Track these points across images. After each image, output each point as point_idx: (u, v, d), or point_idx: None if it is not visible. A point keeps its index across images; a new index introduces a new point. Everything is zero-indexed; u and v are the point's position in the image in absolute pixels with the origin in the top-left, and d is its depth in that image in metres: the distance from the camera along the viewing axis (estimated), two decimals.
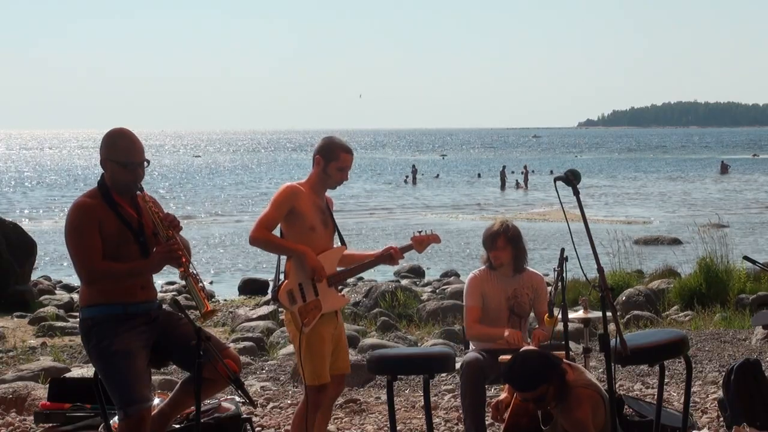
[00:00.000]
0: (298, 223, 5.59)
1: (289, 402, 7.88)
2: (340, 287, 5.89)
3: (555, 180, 4.83)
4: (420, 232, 6.06)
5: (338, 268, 5.81)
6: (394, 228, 30.58)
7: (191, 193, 48.90)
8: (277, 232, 5.67)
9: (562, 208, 4.98)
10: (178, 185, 54.70)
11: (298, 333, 5.54)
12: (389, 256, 5.85)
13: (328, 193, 5.87)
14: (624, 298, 13.68)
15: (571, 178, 4.77)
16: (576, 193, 4.82)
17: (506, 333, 5.98)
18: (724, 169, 61.67)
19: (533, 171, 54.80)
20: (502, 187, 50.15)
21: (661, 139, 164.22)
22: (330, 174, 5.69)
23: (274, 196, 5.64)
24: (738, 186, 50.35)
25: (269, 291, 5.81)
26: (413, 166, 60.20)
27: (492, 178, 54.19)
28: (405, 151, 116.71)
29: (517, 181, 51.60)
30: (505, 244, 6.15)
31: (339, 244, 5.87)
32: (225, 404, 6.09)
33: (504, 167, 54.30)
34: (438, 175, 60.96)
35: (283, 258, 5.66)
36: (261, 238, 5.56)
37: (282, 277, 5.63)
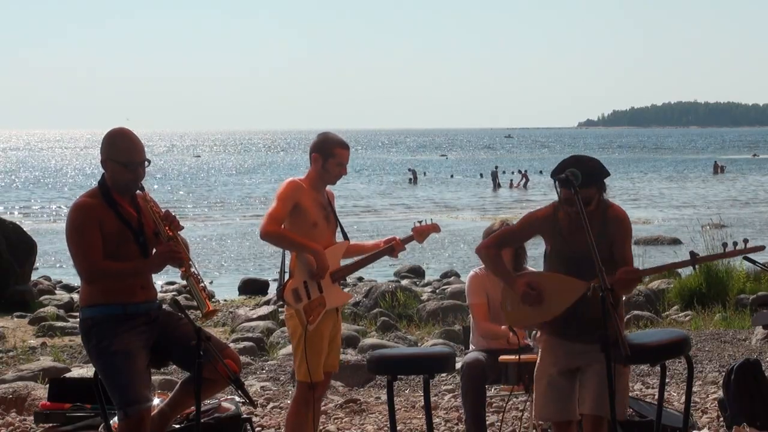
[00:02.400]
0: (300, 219, 5.60)
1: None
2: (342, 284, 5.92)
3: (555, 180, 4.81)
4: (420, 222, 6.09)
5: (343, 262, 5.83)
6: (396, 228, 30.57)
7: (191, 193, 48.89)
8: None
9: (563, 208, 4.97)
10: (178, 185, 54.69)
11: (299, 329, 5.56)
12: (390, 248, 5.89)
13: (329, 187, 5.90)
14: (624, 298, 13.65)
15: (572, 178, 4.76)
16: (576, 193, 4.81)
17: (511, 336, 6.01)
18: (718, 169, 61.61)
19: (525, 170, 55.23)
20: (494, 187, 50.29)
21: (661, 139, 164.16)
22: (329, 170, 5.70)
23: (278, 192, 5.64)
24: (738, 185, 50.36)
25: (275, 289, 5.81)
26: (409, 168, 60.27)
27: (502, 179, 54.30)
28: (405, 152, 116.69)
29: (511, 180, 51.81)
30: None
31: (342, 239, 5.89)
32: (225, 404, 6.09)
33: (496, 167, 54.62)
34: (452, 175, 61.11)
35: (288, 256, 5.67)
36: (273, 232, 5.54)
37: (287, 275, 5.64)
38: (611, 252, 4.98)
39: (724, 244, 4.93)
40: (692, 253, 4.98)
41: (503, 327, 6.00)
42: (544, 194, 43.31)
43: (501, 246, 5.24)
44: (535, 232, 5.10)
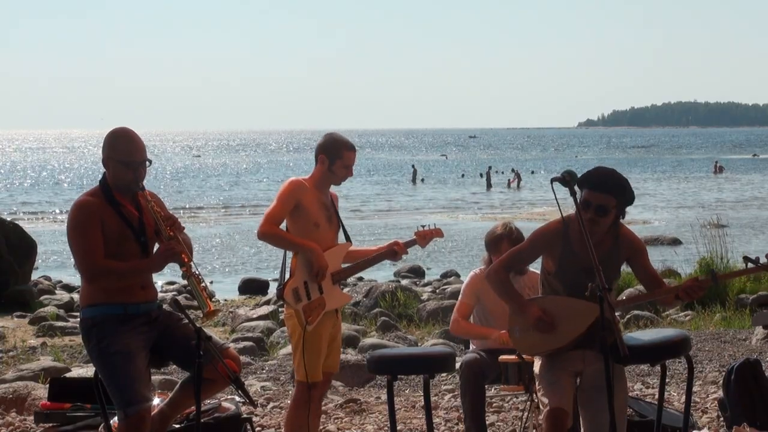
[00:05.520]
0: (302, 219, 5.60)
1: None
2: (342, 285, 5.91)
3: (552, 181, 4.80)
4: (423, 226, 6.09)
5: (342, 265, 5.83)
6: (396, 228, 30.57)
7: (191, 192, 48.88)
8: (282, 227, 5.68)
9: (559, 209, 4.95)
10: (178, 185, 54.65)
11: (298, 329, 5.56)
12: (392, 252, 5.88)
13: (334, 189, 5.89)
14: (624, 298, 13.60)
15: (568, 179, 4.76)
16: (573, 194, 4.80)
17: (494, 336, 6.02)
18: (718, 169, 61.66)
19: (518, 171, 55.60)
20: (488, 187, 50.46)
21: (661, 139, 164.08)
22: (335, 172, 5.70)
23: (279, 191, 5.65)
24: (738, 186, 50.35)
25: (275, 289, 5.81)
26: (413, 166, 60.41)
27: (497, 178, 54.44)
28: (405, 151, 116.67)
29: (509, 180, 52.12)
30: (508, 248, 6.15)
31: (344, 240, 5.89)
32: (225, 404, 6.10)
33: (489, 167, 54.87)
34: (463, 174, 61.17)
35: (289, 255, 5.67)
36: (269, 232, 5.55)
37: (287, 274, 5.64)
38: (619, 269, 5.05)
39: (747, 258, 4.92)
40: (712, 272, 4.98)
41: (494, 334, 6.01)
42: (542, 193, 43.35)
43: (511, 268, 5.20)
44: (545, 248, 5.06)
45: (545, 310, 4.95)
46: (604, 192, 4.88)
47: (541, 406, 5.03)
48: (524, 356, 5.69)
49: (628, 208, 5.05)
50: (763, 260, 4.88)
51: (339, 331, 5.88)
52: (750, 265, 4.88)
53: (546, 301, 5.03)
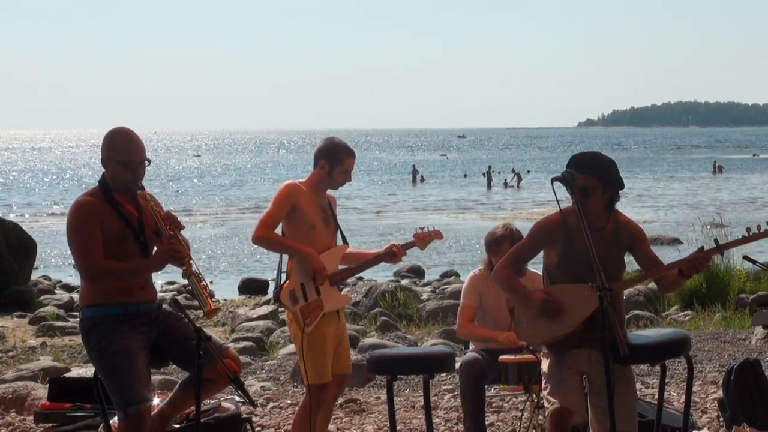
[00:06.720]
0: (298, 222, 5.60)
1: (289, 402, 7.89)
2: (341, 286, 5.91)
3: (552, 180, 4.80)
4: (422, 228, 6.08)
5: (340, 266, 5.83)
6: (396, 228, 30.57)
7: (191, 192, 48.87)
8: (278, 230, 5.68)
9: (560, 209, 4.95)
10: (178, 185, 54.65)
11: (299, 332, 5.55)
12: (391, 254, 5.87)
13: (331, 192, 5.90)
14: (624, 298, 13.63)
15: (569, 179, 4.75)
16: (573, 193, 4.80)
17: (501, 338, 6.01)
18: (718, 169, 61.68)
19: (519, 171, 55.68)
20: (489, 186, 50.54)
21: (661, 139, 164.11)
22: (335, 177, 5.71)
23: (275, 195, 5.66)
24: (738, 186, 50.35)
25: (272, 291, 5.82)
26: (413, 166, 60.47)
27: (498, 178, 54.50)
28: (405, 152, 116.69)
29: (506, 180, 52.19)
30: (509, 249, 6.15)
31: (341, 242, 5.89)
32: (225, 404, 6.10)
33: (489, 167, 54.98)
34: (465, 174, 61.19)
35: (285, 257, 5.66)
36: (264, 237, 5.56)
37: (284, 276, 5.64)
38: (622, 258, 5.04)
39: (748, 229, 4.91)
40: (716, 241, 4.97)
41: (501, 337, 6.00)
42: (541, 192, 43.35)
43: (515, 264, 5.19)
44: (547, 240, 5.04)
45: (550, 294, 4.96)
46: (584, 172, 4.87)
47: (546, 404, 5.03)
48: (532, 349, 5.66)
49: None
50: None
51: (344, 331, 5.87)
52: (753, 231, 4.86)
53: (550, 289, 5.05)
